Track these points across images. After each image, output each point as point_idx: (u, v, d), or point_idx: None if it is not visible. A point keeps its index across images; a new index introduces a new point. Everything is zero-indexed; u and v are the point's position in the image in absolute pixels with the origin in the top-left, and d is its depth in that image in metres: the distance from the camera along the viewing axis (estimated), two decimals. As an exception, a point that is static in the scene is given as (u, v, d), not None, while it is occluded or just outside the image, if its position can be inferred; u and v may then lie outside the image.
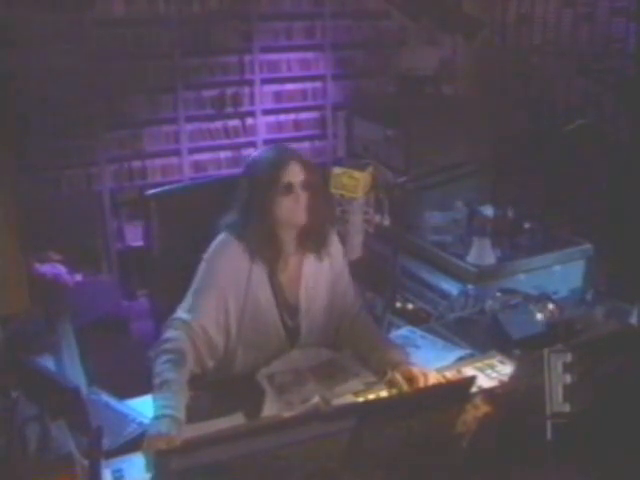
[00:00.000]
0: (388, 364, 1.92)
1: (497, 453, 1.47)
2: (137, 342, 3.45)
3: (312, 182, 1.98)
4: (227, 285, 1.98)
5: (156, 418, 1.67)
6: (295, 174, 1.96)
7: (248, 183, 2.01)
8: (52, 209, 3.70)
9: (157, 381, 1.77)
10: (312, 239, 2.05)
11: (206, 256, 2.02)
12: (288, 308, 2.07)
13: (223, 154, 4.33)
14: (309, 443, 1.27)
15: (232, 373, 2.02)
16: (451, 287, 2.97)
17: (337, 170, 1.89)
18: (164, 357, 1.83)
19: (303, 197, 1.96)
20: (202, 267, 2.01)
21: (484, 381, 1.87)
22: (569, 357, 1.48)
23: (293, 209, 1.96)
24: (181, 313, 1.95)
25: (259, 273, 2.01)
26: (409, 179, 2.07)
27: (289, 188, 1.95)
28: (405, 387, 1.83)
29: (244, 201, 2.01)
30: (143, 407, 1.81)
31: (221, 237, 2.04)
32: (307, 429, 1.28)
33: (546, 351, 1.49)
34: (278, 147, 2.12)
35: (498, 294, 2.32)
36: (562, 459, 1.47)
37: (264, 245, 2.00)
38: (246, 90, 4.30)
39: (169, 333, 1.90)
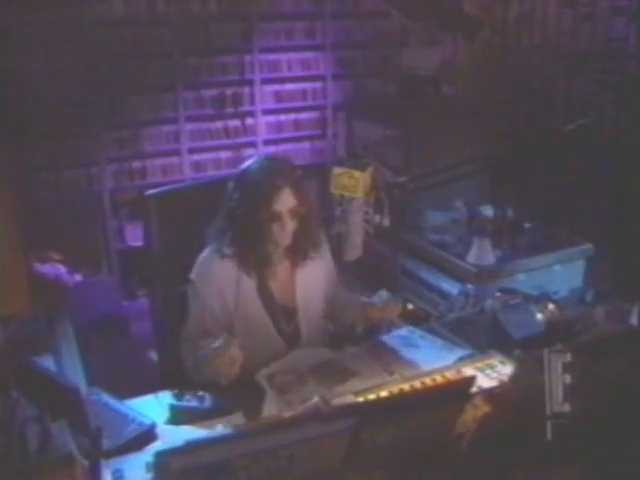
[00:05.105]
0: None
1: (497, 453, 1.47)
2: (137, 342, 3.44)
3: (300, 211, 1.99)
4: (215, 303, 2.02)
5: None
6: (284, 203, 1.96)
7: (239, 196, 1.99)
8: (52, 209, 3.70)
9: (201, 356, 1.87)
10: (299, 253, 2.08)
11: (192, 276, 2.04)
12: (285, 314, 2.09)
13: (223, 154, 4.33)
14: (309, 443, 1.27)
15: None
16: (451, 287, 2.97)
17: (337, 170, 1.89)
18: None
19: (290, 225, 1.98)
20: (190, 289, 2.04)
21: (484, 381, 1.87)
22: (569, 357, 1.48)
23: (279, 235, 1.99)
24: (185, 334, 2.02)
25: (247, 285, 2.04)
26: (409, 179, 2.06)
27: (277, 216, 1.96)
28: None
29: (232, 212, 2.00)
30: (143, 407, 1.81)
31: (205, 254, 2.06)
32: (307, 429, 1.27)
33: (546, 351, 1.49)
34: (272, 167, 2.01)
35: (498, 294, 2.32)
36: (562, 459, 1.47)
37: (250, 257, 2.01)
38: (246, 90, 4.30)
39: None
